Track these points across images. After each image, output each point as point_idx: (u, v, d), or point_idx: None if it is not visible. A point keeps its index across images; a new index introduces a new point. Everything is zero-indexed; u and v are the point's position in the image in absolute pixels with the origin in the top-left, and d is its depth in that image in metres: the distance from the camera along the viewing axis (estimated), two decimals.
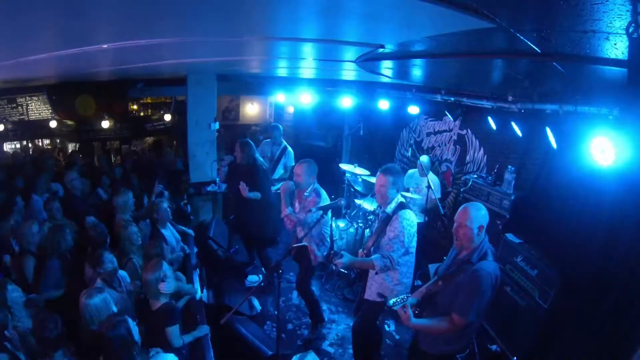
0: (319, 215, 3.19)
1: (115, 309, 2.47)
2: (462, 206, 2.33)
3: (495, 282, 2.16)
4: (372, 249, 2.97)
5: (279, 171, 5.52)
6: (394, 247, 2.75)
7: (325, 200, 3.50)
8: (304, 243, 3.54)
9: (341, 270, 5.01)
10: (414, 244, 2.89)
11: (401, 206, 2.85)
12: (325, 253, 3.64)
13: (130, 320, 2.21)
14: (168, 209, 3.88)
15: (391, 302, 2.29)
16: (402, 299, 2.28)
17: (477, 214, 2.23)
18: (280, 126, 5.63)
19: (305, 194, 3.53)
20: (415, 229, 2.85)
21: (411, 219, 2.82)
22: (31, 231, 3.32)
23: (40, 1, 1.18)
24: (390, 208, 2.86)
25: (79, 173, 4.96)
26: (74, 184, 4.53)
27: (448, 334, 2.27)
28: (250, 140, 4.50)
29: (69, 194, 4.55)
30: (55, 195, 4.53)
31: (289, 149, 5.55)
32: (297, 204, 3.66)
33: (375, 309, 3.09)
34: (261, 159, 4.59)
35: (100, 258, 2.85)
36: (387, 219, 2.85)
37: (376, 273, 2.89)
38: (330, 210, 3.30)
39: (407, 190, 4.96)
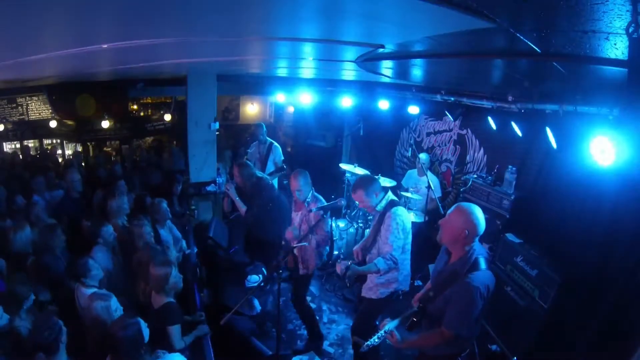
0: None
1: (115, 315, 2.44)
2: (453, 207, 2.18)
3: (486, 292, 2.09)
4: (370, 248, 2.96)
5: (269, 168, 5.59)
6: (394, 246, 2.75)
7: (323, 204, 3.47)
8: (305, 243, 3.54)
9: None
10: (409, 241, 2.88)
11: (392, 204, 2.84)
12: (326, 253, 3.62)
13: (142, 322, 2.15)
14: (168, 209, 3.87)
15: (369, 342, 2.24)
16: (378, 336, 2.22)
17: (468, 219, 2.08)
18: (264, 124, 5.74)
19: (307, 202, 3.44)
20: (409, 225, 2.84)
21: (404, 215, 2.82)
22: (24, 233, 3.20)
23: (41, 1, 1.18)
24: (380, 206, 2.86)
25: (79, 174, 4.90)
26: (75, 185, 4.46)
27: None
28: (247, 162, 4.47)
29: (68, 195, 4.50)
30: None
31: (275, 144, 5.71)
32: (295, 215, 3.59)
33: (372, 308, 3.09)
34: (262, 174, 4.47)
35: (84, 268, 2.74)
36: (380, 218, 2.86)
37: (382, 275, 2.89)
38: (329, 211, 3.29)
39: (407, 191, 4.96)
